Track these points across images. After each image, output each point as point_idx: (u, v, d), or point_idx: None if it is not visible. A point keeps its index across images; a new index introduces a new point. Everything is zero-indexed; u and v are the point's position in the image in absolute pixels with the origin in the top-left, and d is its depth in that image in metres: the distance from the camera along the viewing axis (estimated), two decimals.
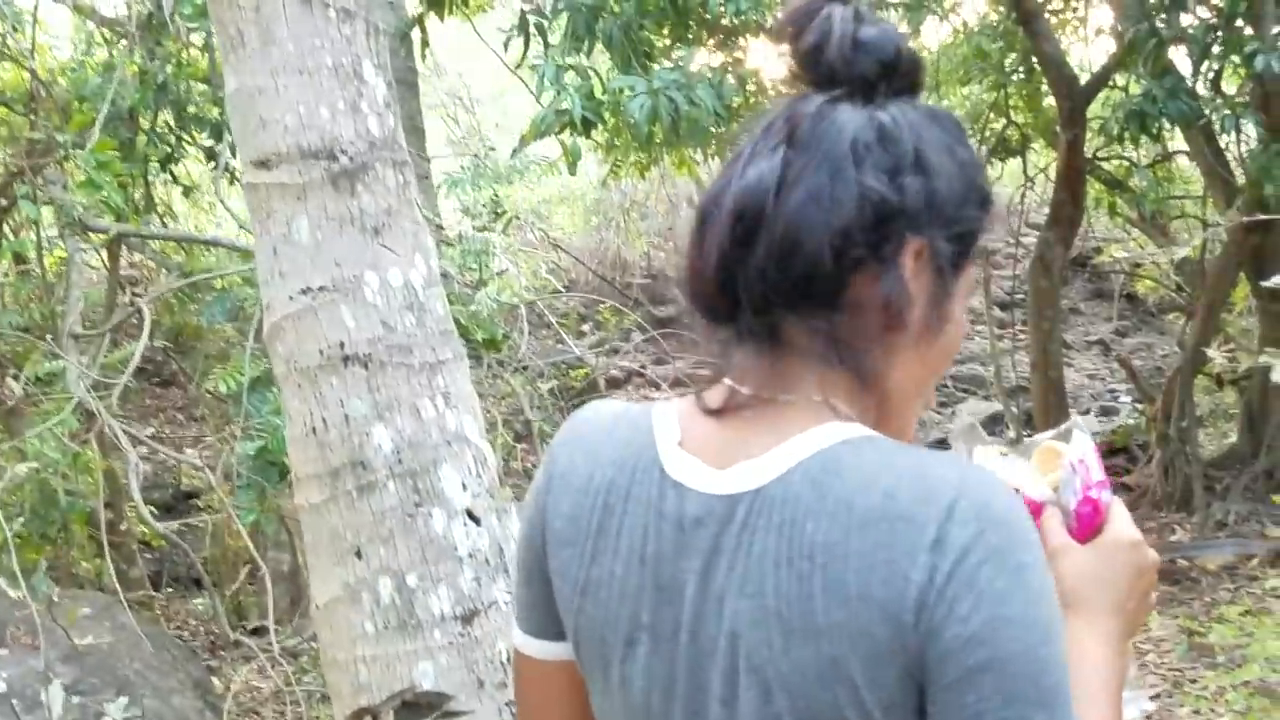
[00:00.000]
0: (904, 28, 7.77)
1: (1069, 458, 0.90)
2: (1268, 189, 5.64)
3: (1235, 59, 6.45)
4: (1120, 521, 0.89)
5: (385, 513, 2.09)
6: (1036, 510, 0.87)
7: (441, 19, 6.41)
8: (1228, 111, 5.95)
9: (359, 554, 2.11)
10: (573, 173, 5.40)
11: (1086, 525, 0.87)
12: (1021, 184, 10.24)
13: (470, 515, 2.15)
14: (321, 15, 2.18)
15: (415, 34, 6.07)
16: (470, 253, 4.50)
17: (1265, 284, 2.71)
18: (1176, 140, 9.52)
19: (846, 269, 0.76)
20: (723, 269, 0.78)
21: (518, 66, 5.70)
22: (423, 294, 2.20)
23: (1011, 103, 8.70)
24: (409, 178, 2.27)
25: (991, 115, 8.85)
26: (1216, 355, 4.31)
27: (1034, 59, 7.96)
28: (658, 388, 14.50)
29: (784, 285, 0.76)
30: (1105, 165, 8.99)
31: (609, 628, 0.82)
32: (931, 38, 10.89)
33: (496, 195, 5.13)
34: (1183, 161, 10.77)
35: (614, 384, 13.85)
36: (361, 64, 2.22)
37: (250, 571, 6.11)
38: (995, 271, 17.06)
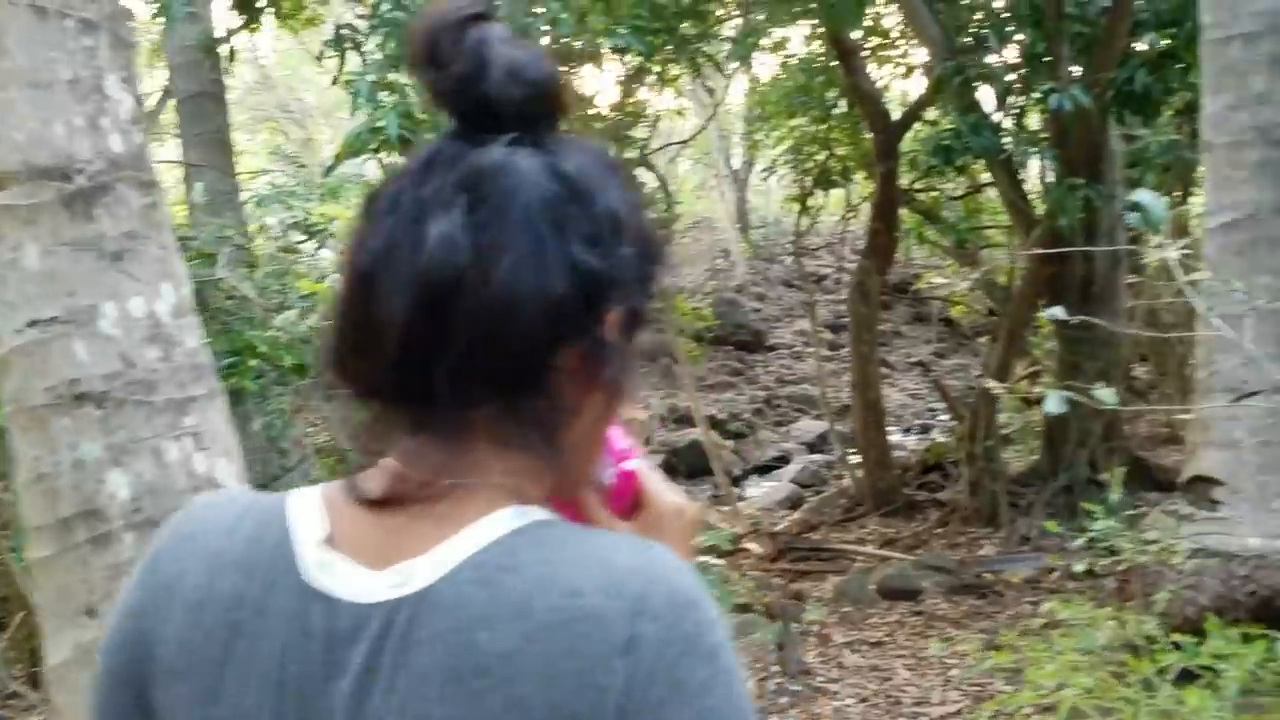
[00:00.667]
0: (734, 62, 7.95)
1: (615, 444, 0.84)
2: (1062, 221, 5.98)
3: (1034, 97, 6.87)
4: (659, 487, 0.81)
5: (120, 566, 1.88)
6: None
7: (251, 31, 6.13)
8: (1026, 147, 6.29)
9: (91, 613, 1.89)
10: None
11: (625, 496, 0.81)
12: (845, 213, 10.64)
13: None
14: (58, 26, 1.96)
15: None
16: (272, 274, 4.25)
17: (1045, 315, 2.81)
18: (987, 173, 10.10)
19: (555, 348, 0.66)
20: (406, 347, 0.65)
21: (334, 83, 5.47)
22: (170, 325, 2.00)
23: (833, 135, 8.99)
24: (157, 199, 2.06)
25: (814, 147, 9.12)
26: (994, 386, 4.51)
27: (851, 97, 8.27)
28: None
29: (491, 370, 0.65)
30: (920, 197, 9.42)
31: None
32: (760, 69, 11.21)
33: (308, 214, 4.88)
34: (991, 193, 11.45)
35: None
36: (104, 78, 2.01)
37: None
38: (825, 296, 17.69)
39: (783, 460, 13.22)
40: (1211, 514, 3.67)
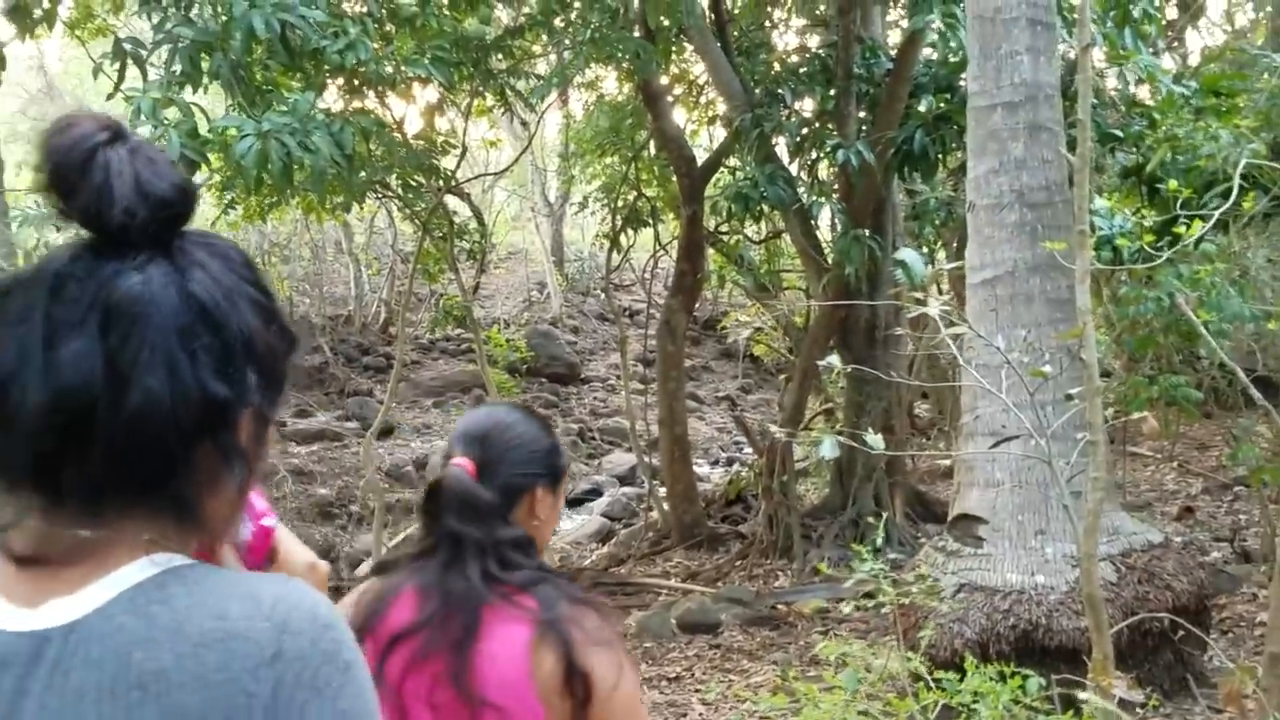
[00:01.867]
0: (542, 98, 7.95)
1: (255, 508, 0.95)
2: (848, 269, 6.27)
3: (824, 151, 7.21)
4: (291, 544, 0.96)
5: None
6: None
7: (24, 39, 5.61)
8: (817, 198, 6.57)
9: None
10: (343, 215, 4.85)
11: (260, 551, 0.94)
12: (654, 252, 10.83)
13: None
14: None
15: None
16: None
17: (822, 363, 2.90)
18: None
19: (188, 452, 0.72)
20: (39, 456, 0.69)
21: (110, 97, 5.06)
22: None
23: (643, 177, 9.15)
24: None
25: (624, 186, 9.24)
26: (780, 430, 4.67)
27: (656, 140, 8.44)
28: (301, 441, 13.63)
29: (125, 477, 0.70)
30: (724, 239, 9.71)
31: None
32: (576, 106, 11.30)
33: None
34: (789, 239, 11.96)
35: None
36: None
37: None
38: (637, 330, 17.95)
39: (595, 493, 13.22)
40: (976, 550, 3.89)
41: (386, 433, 13.33)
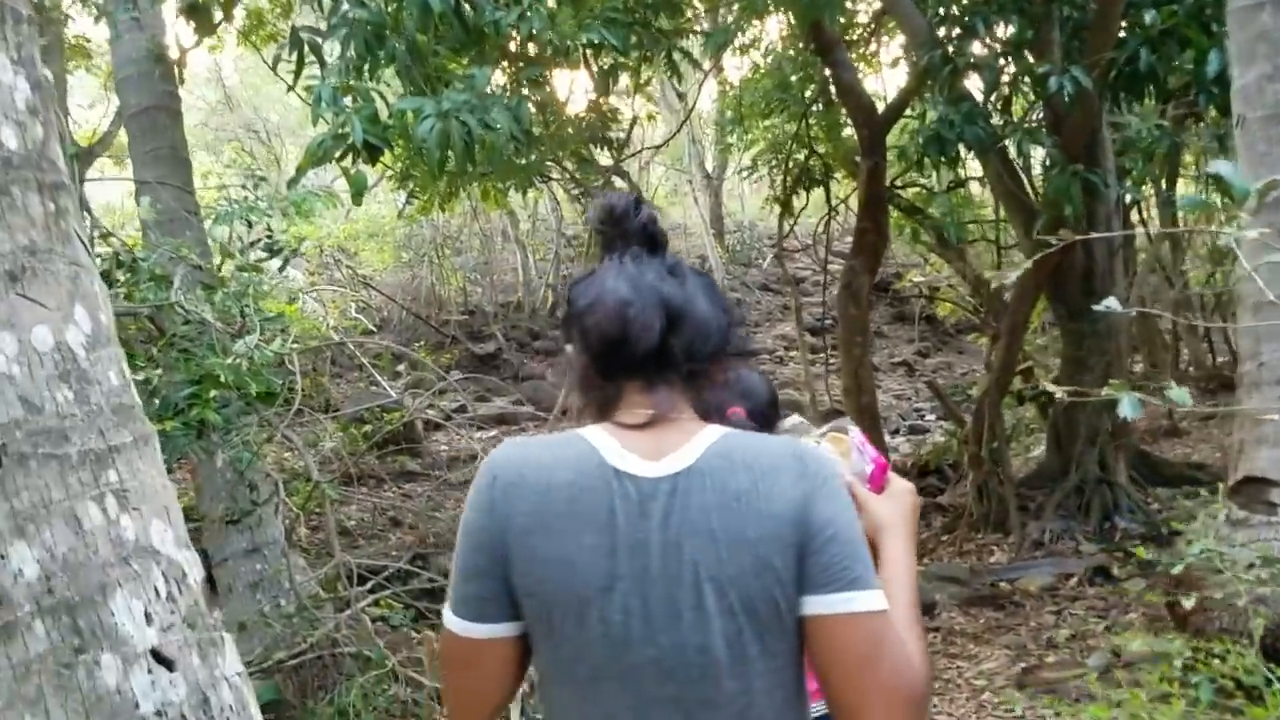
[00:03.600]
0: (708, 57, 7.62)
1: (853, 440, 1.45)
2: (1067, 210, 5.67)
3: (1026, 83, 6.56)
4: (895, 476, 1.43)
5: (31, 663, 1.48)
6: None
7: (211, 50, 5.72)
8: (1023, 134, 5.98)
9: None
10: (356, 203, 4.80)
11: (878, 481, 1.42)
12: (825, 213, 10.32)
13: (158, 657, 1.56)
14: None
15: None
16: (232, 295, 3.84)
17: (1097, 307, 2.46)
18: (970, 167, 9.83)
19: (715, 355, 1.25)
20: (657, 343, 1.20)
21: (290, 89, 5.06)
22: (86, 359, 1.61)
23: (813, 133, 8.68)
24: (66, 205, 1.67)
25: (794, 146, 8.79)
26: (995, 386, 4.18)
27: (832, 90, 7.95)
28: (482, 428, 13.85)
29: (696, 355, 1.22)
30: (903, 193, 9.12)
31: (583, 583, 1.14)
32: (732, 74, 10.89)
33: (270, 230, 4.46)
34: (975, 187, 11.18)
35: (433, 426, 13.08)
36: None
37: None
38: (805, 299, 17.39)
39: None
40: (1270, 518, 3.34)
41: (563, 414, 13.35)
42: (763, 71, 8.93)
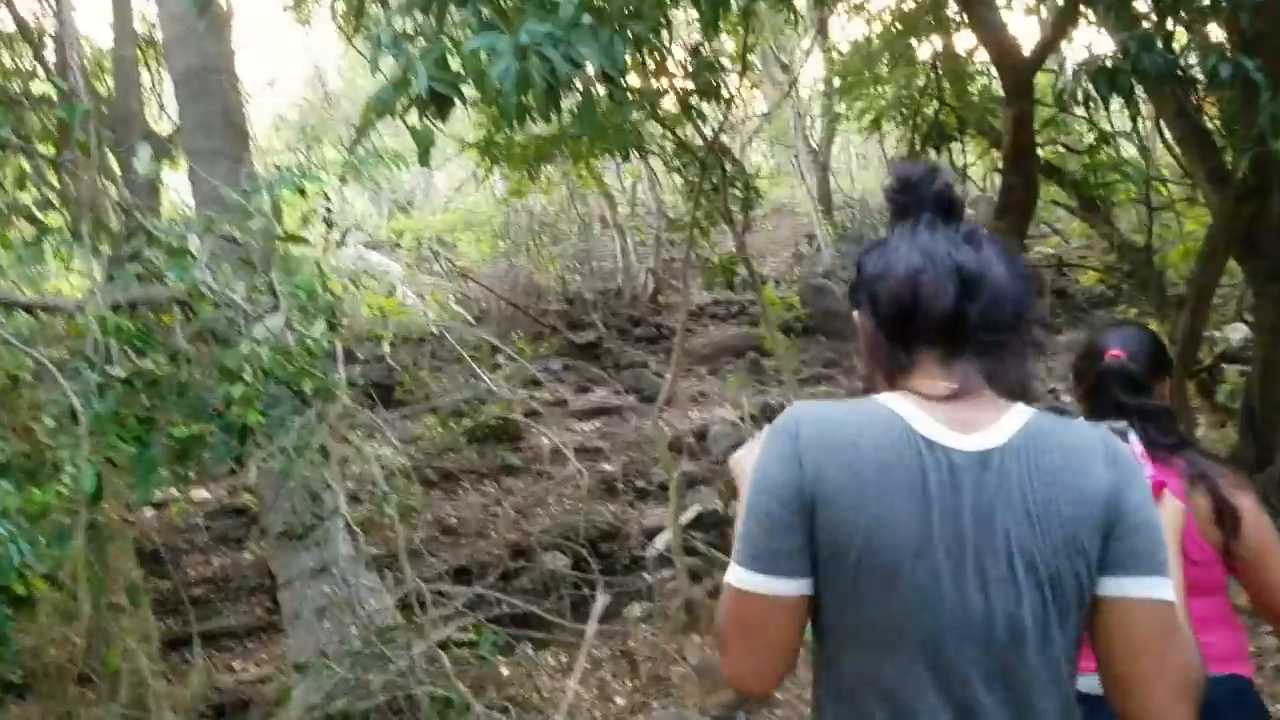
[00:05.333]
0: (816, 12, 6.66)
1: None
2: (1276, 144, 4.56)
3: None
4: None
5: None
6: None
7: (304, 24, 5.10)
8: (1216, 59, 4.86)
9: None
10: (424, 163, 4.07)
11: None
12: (963, 169, 9.19)
13: None
14: None
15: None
16: (293, 279, 3.13)
17: None
18: (1115, 121, 8.62)
19: (1017, 320, 1.26)
20: (953, 314, 1.23)
21: (350, 39, 4.37)
22: None
23: (945, 85, 7.62)
24: None
25: (923, 99, 7.76)
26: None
27: (953, 47, 6.91)
28: (582, 418, 13.18)
29: (993, 325, 1.24)
30: (1039, 152, 7.99)
31: (895, 547, 1.14)
32: (838, 36, 9.86)
33: (329, 198, 3.77)
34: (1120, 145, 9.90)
35: (534, 417, 12.45)
36: None
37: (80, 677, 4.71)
38: None
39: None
40: None
41: (665, 404, 12.58)
42: (882, 24, 7.93)
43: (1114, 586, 1.14)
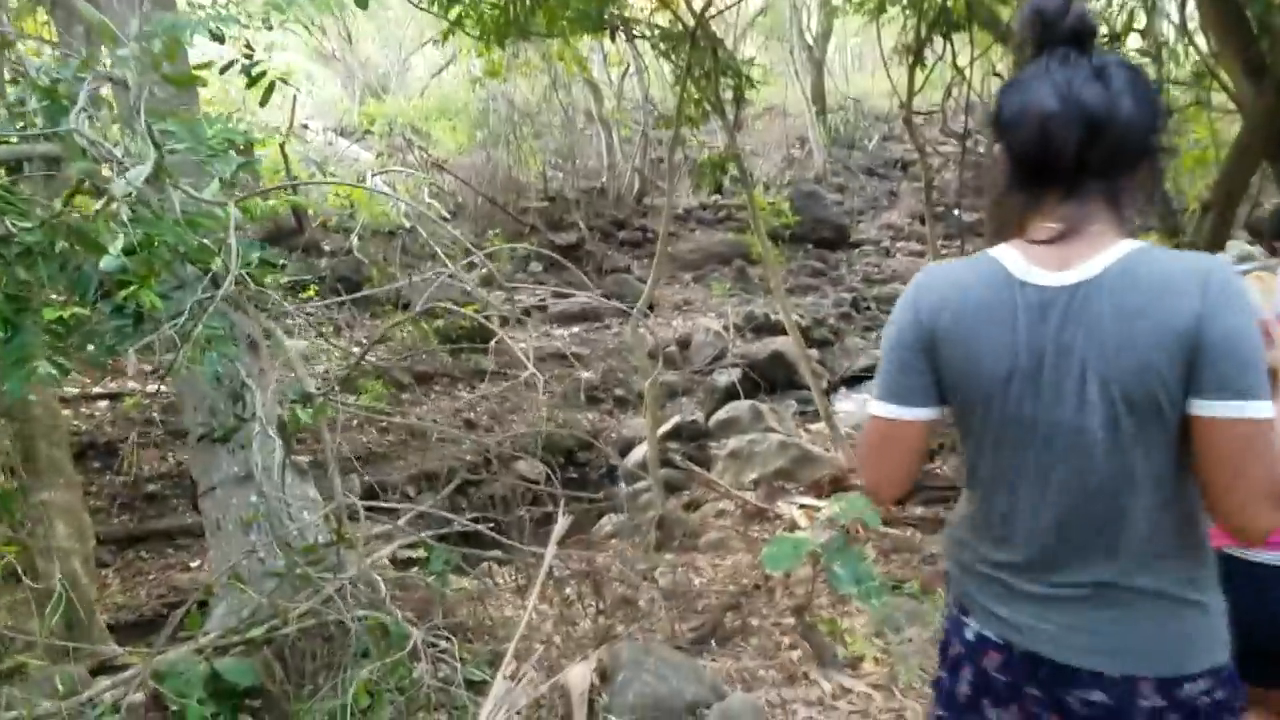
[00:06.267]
0: None
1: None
2: None
3: None
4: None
5: None
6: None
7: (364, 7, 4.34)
8: None
9: None
10: (362, 5, 3.46)
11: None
12: (952, 78, 8.54)
13: None
14: None
15: None
16: (189, 129, 2.56)
17: None
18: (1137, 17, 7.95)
19: (1139, 159, 1.32)
20: (1077, 155, 1.28)
21: None
22: None
23: None
24: None
25: None
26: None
27: None
28: (561, 323, 12.67)
29: (1113, 164, 1.30)
30: None
31: (991, 373, 1.33)
32: None
33: (250, 46, 3.17)
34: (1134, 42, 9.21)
35: (509, 323, 11.93)
36: None
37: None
38: (915, 184, 15.51)
39: (875, 370, 11.40)
40: None
41: (647, 310, 12.07)
42: None
43: (1203, 408, 1.23)
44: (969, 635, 1.46)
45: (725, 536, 5.18)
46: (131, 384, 9.21)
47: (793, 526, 5.08)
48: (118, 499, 8.44)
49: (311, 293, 10.96)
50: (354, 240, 9.99)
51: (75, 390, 8.93)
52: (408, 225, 11.12)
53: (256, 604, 2.88)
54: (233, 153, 2.52)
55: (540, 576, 3.14)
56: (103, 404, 9.15)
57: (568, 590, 3.98)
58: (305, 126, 13.99)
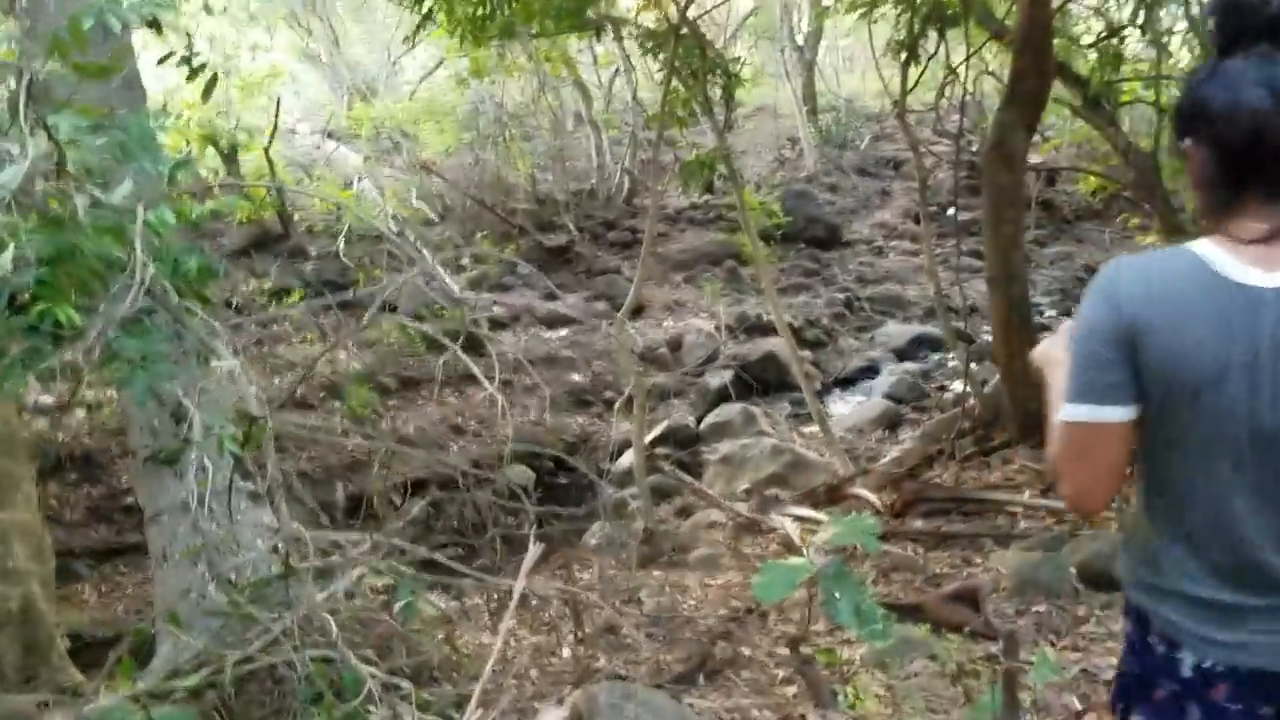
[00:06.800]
0: None
1: None
2: None
3: None
4: None
5: None
6: None
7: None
8: None
9: None
10: None
11: None
12: (945, 77, 8.27)
13: None
14: None
15: None
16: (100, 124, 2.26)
17: None
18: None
19: None
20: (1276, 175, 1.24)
21: None
22: None
23: None
24: None
25: None
26: None
27: None
28: (550, 327, 12.36)
29: None
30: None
31: (1200, 371, 1.24)
32: None
33: (191, 40, 2.89)
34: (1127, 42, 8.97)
35: (499, 326, 11.63)
36: None
37: None
38: (908, 183, 15.26)
39: (870, 371, 11.11)
40: None
41: (637, 312, 11.77)
42: None
43: None
44: (1186, 672, 1.33)
45: (716, 554, 4.89)
46: (111, 392, 8.91)
47: (787, 543, 4.79)
48: (96, 511, 8.15)
49: (297, 297, 10.68)
50: (340, 244, 9.69)
51: (50, 400, 8.62)
52: (395, 228, 10.86)
53: (197, 648, 2.59)
54: (166, 152, 2.23)
55: (510, 609, 2.86)
56: (80, 414, 8.85)
57: (546, 615, 3.70)
58: (293, 132, 13.68)
